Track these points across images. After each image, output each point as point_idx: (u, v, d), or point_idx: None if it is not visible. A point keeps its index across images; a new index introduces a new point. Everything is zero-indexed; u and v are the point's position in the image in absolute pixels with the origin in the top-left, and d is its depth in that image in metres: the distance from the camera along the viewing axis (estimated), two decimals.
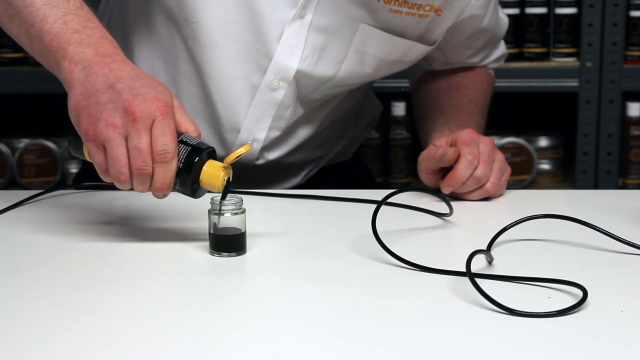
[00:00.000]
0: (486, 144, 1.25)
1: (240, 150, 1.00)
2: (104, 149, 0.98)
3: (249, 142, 1.33)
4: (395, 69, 1.37)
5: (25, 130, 2.28)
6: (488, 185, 1.24)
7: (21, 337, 0.82)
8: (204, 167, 1.01)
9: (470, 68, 1.51)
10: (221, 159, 1.02)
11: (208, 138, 1.32)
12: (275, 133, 1.35)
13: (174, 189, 1.01)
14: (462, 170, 1.21)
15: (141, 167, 0.98)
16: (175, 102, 1.01)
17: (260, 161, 1.37)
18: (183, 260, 1.02)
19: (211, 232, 1.02)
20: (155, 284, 0.96)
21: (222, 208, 1.01)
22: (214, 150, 1.03)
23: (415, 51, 1.34)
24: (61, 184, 2.17)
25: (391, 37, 1.30)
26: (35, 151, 2.25)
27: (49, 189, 1.26)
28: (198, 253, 1.03)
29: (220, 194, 1.01)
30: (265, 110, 1.31)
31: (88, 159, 1.02)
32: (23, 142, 2.26)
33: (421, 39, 1.33)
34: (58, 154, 2.25)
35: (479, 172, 1.22)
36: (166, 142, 0.98)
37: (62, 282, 0.96)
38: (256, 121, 1.31)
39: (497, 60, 1.55)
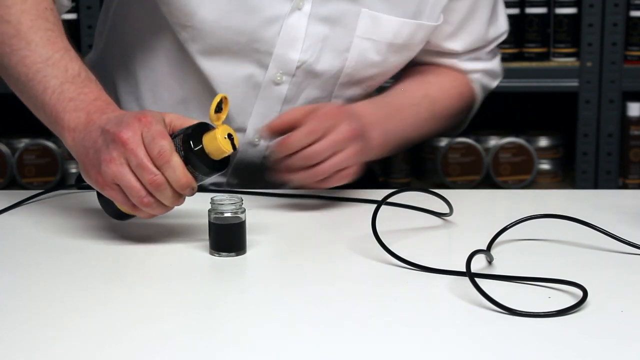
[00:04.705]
0: (348, 128, 1.14)
1: (215, 100, 1.01)
2: (119, 187, 1.01)
3: (256, 140, 1.32)
4: (405, 56, 1.33)
5: (25, 130, 2.28)
6: (317, 168, 1.14)
7: (21, 337, 0.82)
8: (203, 140, 1.01)
9: (451, 74, 1.40)
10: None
11: None
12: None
13: (199, 179, 1.01)
14: (295, 138, 1.12)
15: (151, 180, 0.99)
16: (163, 115, 1.04)
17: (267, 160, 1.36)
18: (183, 260, 1.02)
19: (211, 232, 1.03)
20: (155, 284, 0.96)
21: (222, 208, 1.02)
22: (203, 123, 1.03)
23: (421, 32, 1.30)
24: (61, 184, 2.17)
25: (395, 20, 1.27)
26: (35, 151, 2.25)
27: (49, 189, 1.26)
28: (198, 253, 1.03)
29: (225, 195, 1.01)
30: (271, 106, 1.30)
31: (125, 210, 1.04)
32: (23, 142, 2.26)
33: (424, 15, 1.30)
34: (58, 154, 2.24)
35: (312, 149, 1.12)
36: (157, 143, 0.99)
37: (62, 282, 0.96)
38: (262, 118, 1.30)
39: (487, 74, 1.44)
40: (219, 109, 1.01)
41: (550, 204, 1.27)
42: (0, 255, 1.04)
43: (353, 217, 1.17)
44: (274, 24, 1.24)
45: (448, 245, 1.08)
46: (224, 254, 1.02)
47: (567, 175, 2.31)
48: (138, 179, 1.00)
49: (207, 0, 1.21)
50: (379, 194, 1.16)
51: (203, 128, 1.02)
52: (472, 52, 1.40)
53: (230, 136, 1.01)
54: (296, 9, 1.24)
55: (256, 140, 1.31)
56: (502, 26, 1.42)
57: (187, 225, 1.12)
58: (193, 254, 1.03)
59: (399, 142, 1.31)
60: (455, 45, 1.38)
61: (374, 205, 1.04)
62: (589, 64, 2.13)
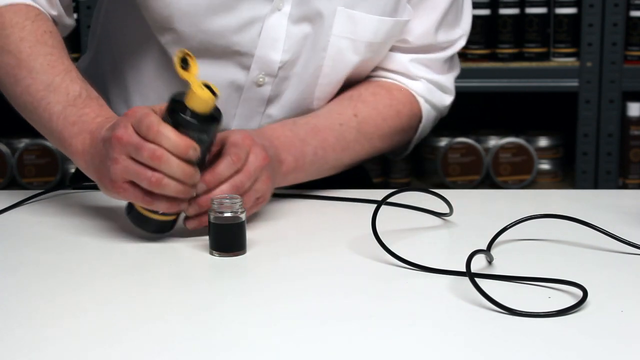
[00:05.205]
0: (258, 157, 1.09)
1: (177, 57, 1.02)
2: (131, 183, 1.03)
3: None
4: (381, 54, 1.32)
5: (25, 130, 2.27)
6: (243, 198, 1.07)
7: (21, 337, 0.82)
8: (184, 100, 1.02)
9: (392, 92, 1.34)
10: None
11: None
12: None
13: (199, 139, 1.02)
14: (223, 167, 1.06)
15: (150, 154, 1.01)
16: (152, 107, 1.06)
17: None
18: (183, 260, 1.02)
19: (211, 232, 1.03)
20: (155, 284, 0.96)
21: (222, 208, 1.02)
22: (177, 93, 1.04)
23: (397, 28, 1.29)
24: (61, 184, 2.17)
25: (372, 18, 1.26)
26: (35, 151, 2.25)
27: (49, 189, 1.26)
28: (198, 253, 1.03)
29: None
30: (254, 108, 1.30)
31: (152, 215, 1.05)
32: (23, 142, 2.26)
33: (399, 11, 1.28)
34: (58, 154, 2.24)
35: (238, 179, 1.07)
36: (144, 122, 1.01)
37: (62, 282, 0.96)
38: (246, 120, 1.30)
39: (437, 87, 1.37)
40: (185, 65, 1.01)
41: (550, 204, 1.27)
42: (0, 255, 1.04)
43: (353, 217, 1.17)
44: (254, 25, 1.24)
45: (448, 245, 1.08)
46: (224, 254, 1.02)
47: (567, 175, 2.31)
48: (142, 164, 1.01)
49: (185, 3, 1.21)
50: (379, 194, 1.16)
51: (182, 94, 1.03)
52: (424, 51, 1.35)
53: (207, 86, 1.02)
54: (276, 10, 1.24)
55: None
56: (463, 27, 1.37)
57: None
58: (193, 254, 1.03)
59: (322, 164, 1.25)
60: (409, 34, 1.33)
61: (374, 205, 1.04)
62: (589, 64, 2.14)
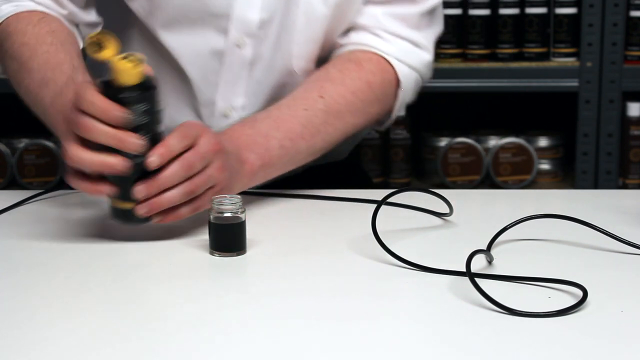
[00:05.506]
0: (210, 141, 1.05)
1: (88, 41, 1.02)
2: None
3: (227, 112, 1.30)
4: (353, 7, 1.29)
5: (25, 130, 2.28)
6: (193, 180, 1.04)
7: (21, 337, 0.82)
8: (112, 81, 1.02)
9: (361, 63, 1.30)
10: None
11: (189, 118, 1.29)
12: (255, 101, 1.31)
13: (135, 110, 1.01)
14: (172, 140, 1.04)
15: (79, 125, 1.01)
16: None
17: None
18: (183, 260, 1.02)
19: (211, 232, 1.03)
20: (155, 284, 0.96)
21: (222, 208, 1.02)
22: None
23: None
24: (61, 184, 2.16)
25: None
26: (35, 151, 2.25)
27: (49, 189, 1.26)
28: (198, 253, 1.03)
29: None
30: (237, 73, 1.29)
31: (120, 205, 1.05)
32: (23, 142, 2.26)
33: None
34: (58, 154, 2.24)
35: (188, 156, 1.03)
36: (79, 98, 1.01)
37: (62, 282, 0.96)
38: (231, 87, 1.29)
39: (414, 44, 1.32)
40: (98, 47, 1.01)
41: (550, 204, 1.27)
42: (0, 255, 1.04)
43: (353, 217, 1.17)
44: None
45: (448, 245, 1.08)
46: (224, 254, 1.02)
47: (567, 175, 2.31)
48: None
49: None
50: (379, 194, 1.16)
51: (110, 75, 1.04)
52: (398, 1, 1.31)
53: (127, 57, 1.02)
54: None
55: (227, 111, 1.31)
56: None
57: (187, 225, 1.12)
58: (193, 254, 1.03)
59: (294, 154, 1.22)
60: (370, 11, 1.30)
61: (374, 205, 1.04)
62: (589, 64, 2.13)
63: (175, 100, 1.31)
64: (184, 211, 1.06)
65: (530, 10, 2.17)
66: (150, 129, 1.03)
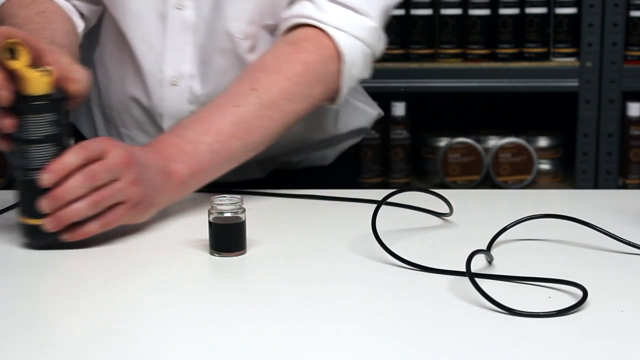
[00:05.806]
0: (120, 155, 1.03)
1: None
2: None
3: (174, 79, 1.29)
4: None
5: None
6: (73, 206, 1.01)
7: (21, 337, 0.82)
8: (23, 92, 1.02)
9: (298, 41, 1.24)
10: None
11: (137, 88, 1.31)
12: (204, 69, 1.29)
13: (55, 127, 1.03)
14: (68, 155, 1.02)
15: None
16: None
17: (194, 106, 1.29)
18: (183, 260, 1.02)
19: (211, 232, 1.03)
20: (155, 284, 0.96)
21: (222, 208, 1.02)
22: None
23: None
24: None
25: None
26: None
27: None
28: (198, 253, 1.03)
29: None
30: (181, 37, 1.28)
31: (26, 220, 1.05)
32: None
33: None
34: None
35: (92, 167, 1.01)
36: None
37: (61, 282, 0.96)
38: (176, 54, 1.29)
39: (352, 9, 1.24)
40: (10, 55, 1.01)
41: (551, 204, 1.27)
42: (0, 255, 1.04)
43: (353, 217, 1.17)
44: None
45: (448, 245, 1.08)
46: (224, 254, 1.02)
47: (567, 175, 2.31)
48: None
49: None
50: (379, 194, 1.16)
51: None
52: None
53: (36, 67, 1.03)
54: None
55: (175, 80, 1.29)
56: None
57: (187, 225, 1.12)
58: (193, 254, 1.03)
59: (227, 155, 1.17)
60: None
61: (374, 205, 1.04)
62: (589, 64, 2.14)
63: (121, 70, 1.32)
64: (93, 227, 1.03)
65: (530, 10, 2.17)
66: (59, 141, 1.03)
